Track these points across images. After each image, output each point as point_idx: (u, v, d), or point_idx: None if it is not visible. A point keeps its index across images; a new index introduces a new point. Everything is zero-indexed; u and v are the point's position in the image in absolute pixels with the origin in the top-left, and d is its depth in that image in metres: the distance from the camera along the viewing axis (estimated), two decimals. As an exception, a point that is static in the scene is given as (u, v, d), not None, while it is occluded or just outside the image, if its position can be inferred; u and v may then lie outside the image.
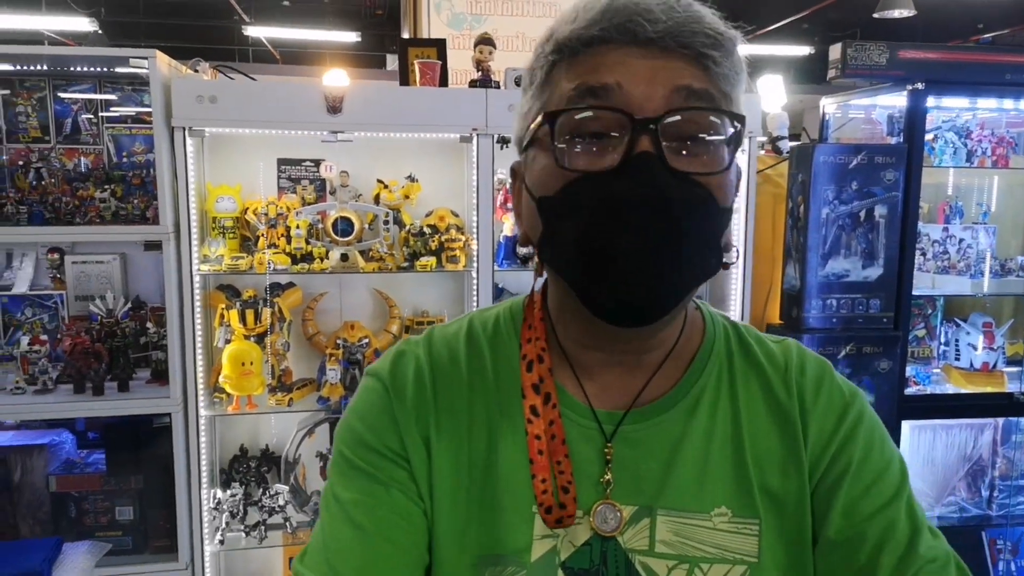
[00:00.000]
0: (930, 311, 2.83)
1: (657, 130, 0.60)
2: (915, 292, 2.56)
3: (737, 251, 0.71)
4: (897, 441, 2.57)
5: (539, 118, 0.65)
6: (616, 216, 0.61)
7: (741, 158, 2.39)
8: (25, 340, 2.25)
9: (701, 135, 0.63)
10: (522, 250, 0.72)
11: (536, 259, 0.71)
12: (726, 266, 0.67)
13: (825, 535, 0.70)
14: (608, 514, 0.69)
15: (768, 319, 2.81)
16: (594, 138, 0.63)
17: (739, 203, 2.58)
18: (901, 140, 2.56)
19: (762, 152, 2.88)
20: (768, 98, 2.77)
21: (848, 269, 2.50)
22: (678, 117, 0.61)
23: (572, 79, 0.63)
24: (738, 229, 2.59)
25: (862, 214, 2.47)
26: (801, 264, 2.52)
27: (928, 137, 2.64)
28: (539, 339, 0.73)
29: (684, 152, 0.62)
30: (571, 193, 0.63)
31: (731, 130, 0.64)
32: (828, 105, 2.91)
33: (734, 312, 2.63)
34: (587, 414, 0.71)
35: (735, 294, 2.61)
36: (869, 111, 2.85)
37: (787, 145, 2.77)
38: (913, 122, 2.52)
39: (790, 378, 0.74)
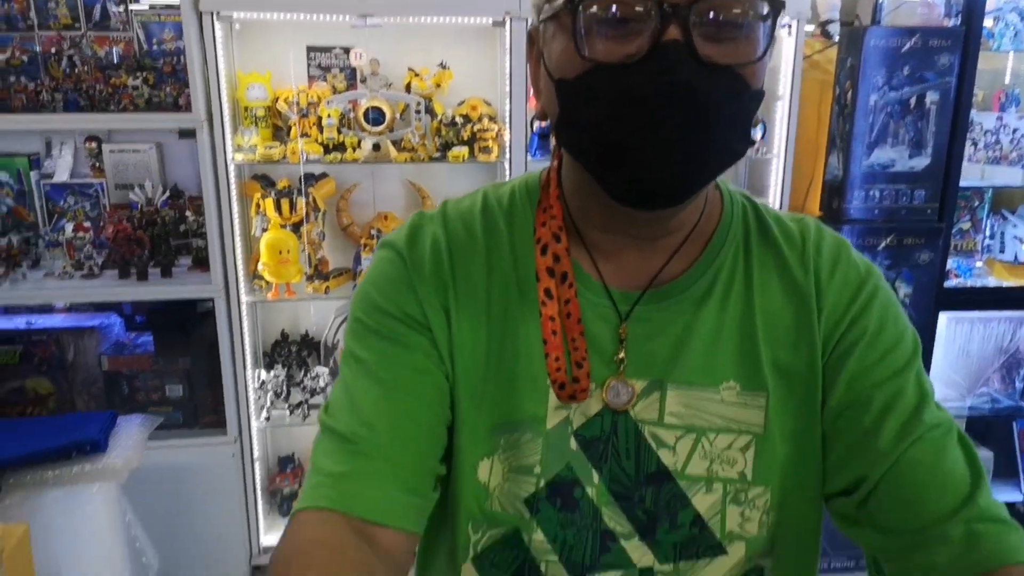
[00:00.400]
0: (977, 203, 2.74)
1: (688, 17, 0.57)
2: (963, 183, 2.47)
3: (764, 126, 0.68)
4: (933, 333, 2.55)
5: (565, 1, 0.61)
6: (641, 107, 0.59)
7: (783, 41, 2.25)
8: (69, 227, 2.32)
9: (735, 21, 0.59)
10: (539, 124, 0.70)
11: (553, 138, 0.70)
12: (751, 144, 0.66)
13: (833, 399, 0.71)
14: (620, 390, 0.70)
15: (807, 210, 2.76)
16: (619, 23, 0.59)
17: (783, 90, 2.48)
18: (959, 23, 2.41)
19: (810, 37, 2.74)
20: (819, -22, 2.61)
21: (894, 159, 2.41)
22: (712, 13, 0.58)
23: None
24: (781, 118, 2.51)
25: (912, 101, 2.36)
26: (845, 153, 2.44)
27: (987, 22, 2.47)
28: (555, 219, 0.72)
29: (716, 40, 0.59)
30: (592, 81, 0.60)
31: (767, 9, 0.60)
32: (884, -15, 2.73)
33: (772, 203, 2.58)
34: (601, 293, 0.72)
35: (775, 185, 2.56)
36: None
37: (837, 30, 2.63)
38: (972, 3, 2.36)
39: (807, 256, 0.73)
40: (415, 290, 0.72)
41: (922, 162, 2.41)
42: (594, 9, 0.59)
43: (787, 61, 2.46)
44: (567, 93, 0.63)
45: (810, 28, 2.58)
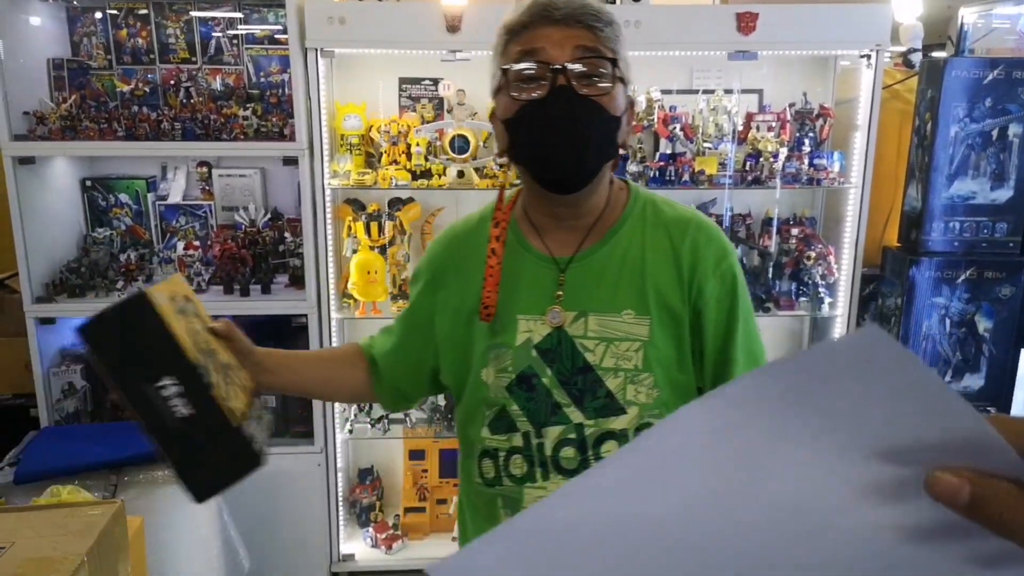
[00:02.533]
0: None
1: (566, 71, 1.01)
2: (1048, 216, 2.44)
3: (631, 149, 0.97)
4: (1015, 371, 2.51)
5: (499, 73, 1.06)
6: (547, 123, 1.02)
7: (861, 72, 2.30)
8: (180, 245, 2.51)
9: (592, 72, 1.03)
10: (500, 160, 1.16)
11: (507, 165, 1.15)
12: (623, 158, 1.17)
13: (699, 333, 1.14)
14: (556, 314, 1.11)
15: (886, 241, 2.75)
16: (532, 80, 1.03)
17: (861, 120, 2.50)
18: (1046, 53, 2.40)
19: (891, 65, 2.75)
20: (902, 7, 2.62)
21: (975, 191, 2.40)
22: (578, 65, 1.01)
23: (517, 47, 1.04)
24: (859, 148, 2.53)
25: (994, 133, 2.36)
26: (924, 185, 2.44)
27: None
28: (500, 215, 1.15)
29: (584, 83, 1.02)
30: (522, 112, 1.04)
31: (609, 67, 1.03)
32: (968, 15, 2.73)
33: (849, 234, 2.59)
34: (548, 259, 1.14)
35: (852, 214, 2.57)
36: (1016, 21, 2.66)
37: (919, 58, 2.64)
38: (1061, 33, 2.35)
39: (686, 237, 1.12)
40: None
41: (1004, 194, 2.40)
42: (516, 77, 1.03)
43: (865, 91, 2.49)
44: (510, 126, 1.06)
45: (891, 51, 2.59)
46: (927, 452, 0.38)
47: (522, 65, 1.02)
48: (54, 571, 1.14)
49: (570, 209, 1.12)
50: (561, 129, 1.02)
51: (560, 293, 1.11)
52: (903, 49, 2.67)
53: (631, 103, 1.10)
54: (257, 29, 2.54)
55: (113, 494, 1.92)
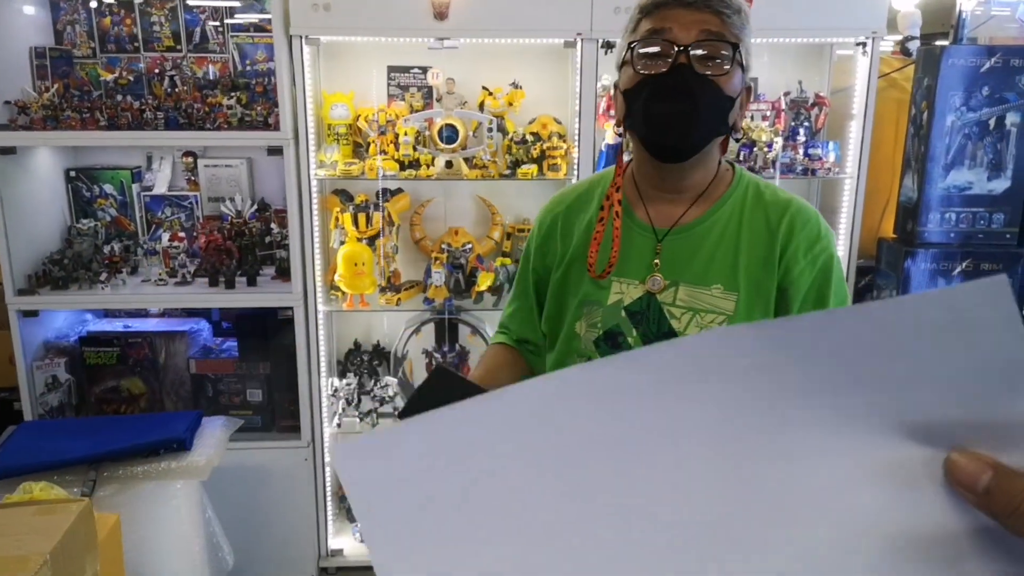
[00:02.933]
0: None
1: (688, 51, 1.08)
2: (1046, 207, 2.40)
3: (744, 132, 0.93)
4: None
5: (625, 47, 1.15)
6: (661, 93, 1.10)
7: (857, 60, 2.29)
8: (166, 237, 2.48)
9: (713, 55, 1.10)
10: (617, 130, 1.25)
11: (623, 135, 1.21)
12: (736, 139, 1.25)
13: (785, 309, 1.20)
14: (656, 281, 1.18)
15: (882, 232, 2.71)
16: (656, 57, 1.11)
17: (857, 109, 2.46)
18: (1045, 40, 2.35)
19: (889, 54, 2.71)
20: (900, -5, 2.57)
21: (971, 181, 2.36)
22: (700, 49, 1.09)
23: (647, 25, 1.12)
24: (854, 137, 2.48)
25: (991, 122, 2.31)
26: (920, 175, 2.40)
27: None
28: (618, 181, 1.24)
29: (705, 63, 1.10)
30: (642, 84, 1.12)
31: (730, 51, 1.10)
32: (967, 2, 2.68)
33: (844, 225, 2.55)
34: (648, 228, 1.22)
35: (848, 205, 2.53)
36: (1015, 8, 2.61)
37: (917, 46, 2.59)
38: (1061, 20, 2.30)
39: (784, 218, 1.18)
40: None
41: (1001, 185, 2.36)
42: (642, 51, 1.12)
43: (861, 80, 2.44)
44: (629, 95, 1.14)
45: (889, 39, 2.55)
46: (975, 432, 0.34)
47: (648, 43, 1.11)
48: (17, 571, 1.12)
49: (675, 181, 1.19)
50: (674, 99, 1.09)
51: (657, 262, 1.19)
52: (900, 37, 2.62)
53: (748, 88, 1.17)
54: (243, 18, 2.50)
55: (92, 490, 1.89)
